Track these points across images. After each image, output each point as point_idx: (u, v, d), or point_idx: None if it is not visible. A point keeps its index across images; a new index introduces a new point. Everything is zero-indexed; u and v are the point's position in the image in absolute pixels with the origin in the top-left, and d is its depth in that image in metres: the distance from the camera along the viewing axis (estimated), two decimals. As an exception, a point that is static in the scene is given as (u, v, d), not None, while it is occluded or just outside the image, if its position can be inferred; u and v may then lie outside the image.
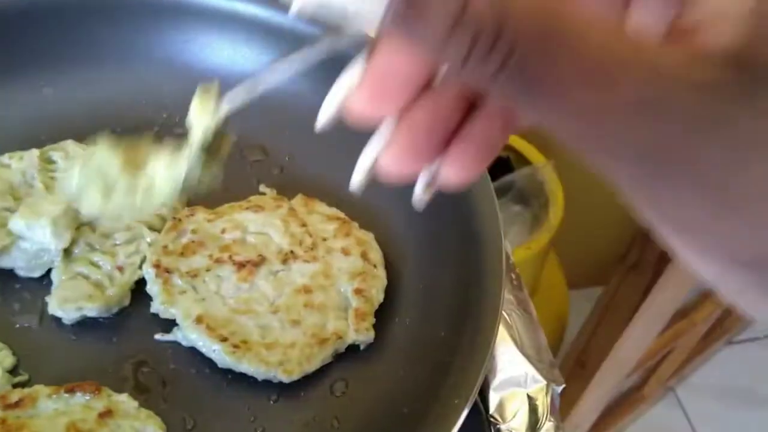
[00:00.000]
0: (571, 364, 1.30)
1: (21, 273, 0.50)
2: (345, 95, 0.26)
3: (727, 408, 1.83)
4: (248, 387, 0.47)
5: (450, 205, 0.51)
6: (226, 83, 0.61)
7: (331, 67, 0.58)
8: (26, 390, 0.44)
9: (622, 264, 1.10)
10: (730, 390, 1.87)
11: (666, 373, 1.70)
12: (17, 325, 0.49)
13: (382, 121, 0.26)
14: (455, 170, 0.26)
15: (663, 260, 1.03)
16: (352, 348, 0.49)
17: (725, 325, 1.82)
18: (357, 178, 0.28)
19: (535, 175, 1.23)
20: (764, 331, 1.98)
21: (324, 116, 0.27)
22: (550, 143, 1.44)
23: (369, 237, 0.53)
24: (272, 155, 0.59)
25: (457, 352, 0.43)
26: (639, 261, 1.06)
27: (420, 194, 0.28)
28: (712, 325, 1.65)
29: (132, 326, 0.49)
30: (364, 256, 0.52)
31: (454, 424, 0.39)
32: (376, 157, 0.26)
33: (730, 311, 1.72)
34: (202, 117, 0.30)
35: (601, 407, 1.41)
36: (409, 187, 0.55)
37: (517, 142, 1.32)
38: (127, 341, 0.49)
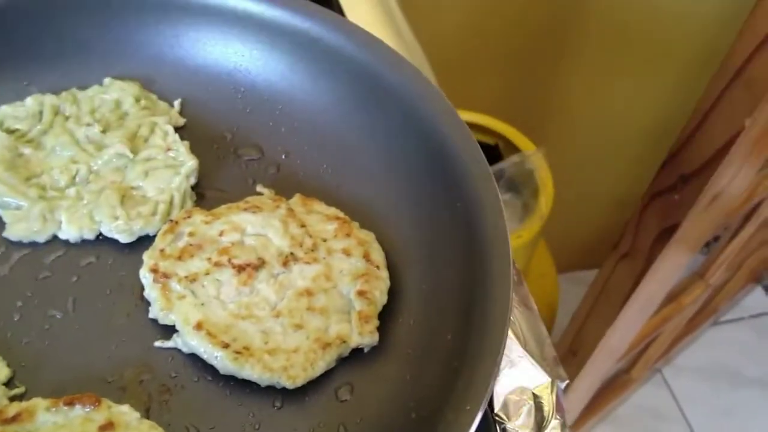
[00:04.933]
0: (562, 352, 1.30)
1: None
2: None
3: (713, 388, 1.85)
4: (251, 393, 0.46)
5: (452, 203, 0.51)
6: (218, 78, 0.60)
7: (324, 62, 0.57)
8: (24, 404, 0.43)
9: (614, 252, 1.10)
10: (716, 370, 1.89)
11: (654, 356, 1.71)
12: (9, 334, 0.47)
13: None
14: None
15: (655, 248, 1.03)
16: (357, 351, 0.48)
17: (711, 306, 1.84)
18: None
19: (525, 162, 1.22)
20: (749, 311, 2.00)
21: None
22: (540, 130, 1.44)
23: (370, 237, 0.52)
24: (267, 154, 0.57)
25: (466, 355, 0.43)
26: (631, 249, 1.06)
27: None
28: (699, 307, 1.67)
29: (131, 333, 0.48)
30: (366, 257, 0.51)
31: (467, 430, 0.38)
32: None
33: (717, 292, 1.73)
34: None
35: (592, 393, 1.42)
36: (406, 184, 0.54)
37: (506, 129, 1.31)
38: (126, 349, 0.47)
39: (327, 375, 0.47)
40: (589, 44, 1.35)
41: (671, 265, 1.09)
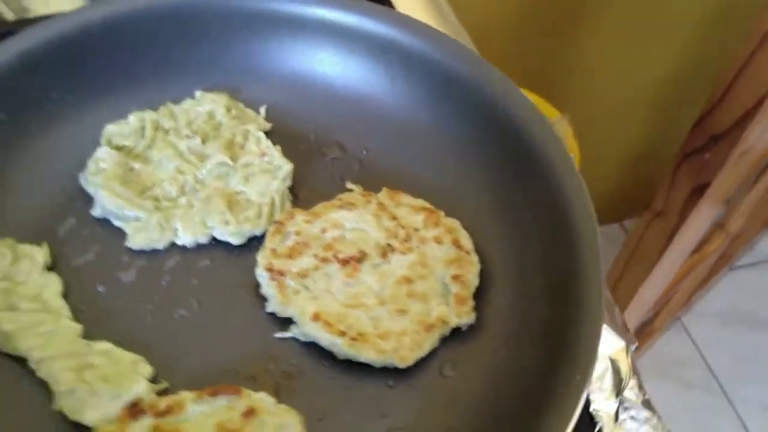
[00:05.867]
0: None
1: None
2: None
3: (732, 332, 1.92)
4: (366, 375, 0.51)
5: (530, 183, 0.55)
6: (299, 83, 0.63)
7: (400, 63, 0.61)
8: (172, 397, 0.48)
9: (647, 211, 1.15)
10: (734, 314, 1.95)
11: (677, 305, 1.77)
12: (145, 336, 0.52)
13: None
14: None
15: (687, 206, 1.08)
16: (456, 331, 0.53)
17: (728, 252, 1.89)
18: None
19: (552, 129, 1.26)
20: (765, 255, 2.06)
21: None
22: (560, 94, 1.47)
23: (456, 224, 0.57)
24: (350, 151, 0.62)
25: (566, 329, 0.48)
26: (664, 208, 1.11)
27: None
28: (719, 255, 1.72)
29: (252, 327, 0.53)
30: (455, 243, 0.55)
31: (579, 400, 0.43)
32: None
33: (735, 240, 1.79)
34: None
35: (624, 346, 1.48)
36: (484, 172, 0.59)
37: (530, 96, 1.35)
38: (249, 341, 0.52)
39: (432, 354, 0.52)
40: (608, 5, 1.38)
41: (702, 221, 1.14)
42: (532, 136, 0.56)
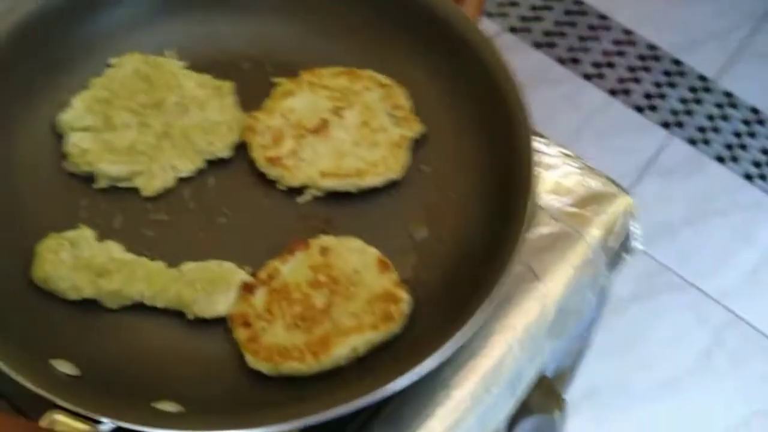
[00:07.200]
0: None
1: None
2: None
3: None
4: (373, 195, 0.67)
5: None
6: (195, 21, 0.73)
7: None
8: (264, 269, 0.61)
9: None
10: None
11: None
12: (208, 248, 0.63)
13: None
14: None
15: None
16: (416, 141, 0.70)
17: None
18: None
19: None
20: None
21: None
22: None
23: (370, 72, 0.72)
24: (258, 58, 0.74)
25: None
26: None
27: None
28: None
29: (276, 206, 0.66)
30: (378, 84, 0.71)
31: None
32: None
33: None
34: None
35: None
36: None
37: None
38: (282, 215, 0.65)
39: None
40: None
41: None
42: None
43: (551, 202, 0.69)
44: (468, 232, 0.62)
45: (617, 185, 0.73)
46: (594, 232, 0.68)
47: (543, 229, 0.67)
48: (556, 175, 0.72)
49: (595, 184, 0.72)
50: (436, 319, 0.58)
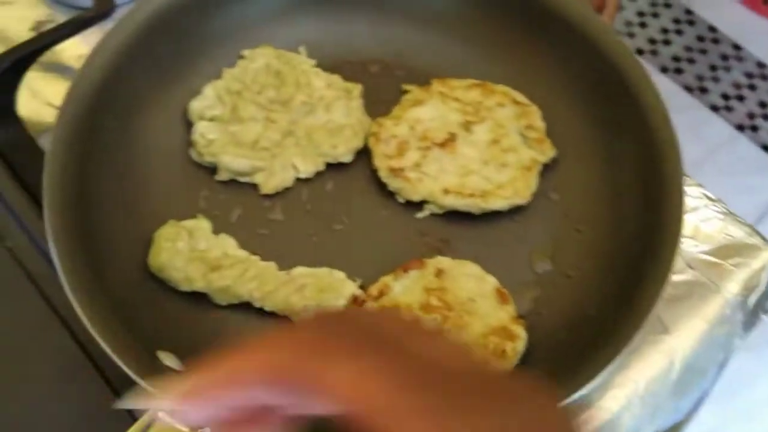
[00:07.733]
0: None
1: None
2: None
3: None
4: (496, 219, 0.63)
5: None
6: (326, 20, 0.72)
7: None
8: (376, 284, 0.58)
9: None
10: None
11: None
12: (319, 254, 0.61)
13: None
14: None
15: None
16: (546, 166, 0.66)
17: None
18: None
19: None
20: None
21: None
22: None
23: (505, 88, 0.69)
24: (389, 62, 0.71)
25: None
26: None
27: None
28: None
29: (395, 219, 0.63)
30: (513, 101, 0.67)
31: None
32: None
33: None
34: None
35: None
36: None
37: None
38: (399, 229, 0.63)
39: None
40: None
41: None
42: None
43: (688, 248, 0.64)
44: (598, 272, 0.58)
45: (762, 237, 0.66)
46: (732, 287, 0.63)
47: (677, 276, 0.62)
48: (695, 218, 0.66)
49: (737, 233, 0.66)
50: (551, 363, 0.54)
